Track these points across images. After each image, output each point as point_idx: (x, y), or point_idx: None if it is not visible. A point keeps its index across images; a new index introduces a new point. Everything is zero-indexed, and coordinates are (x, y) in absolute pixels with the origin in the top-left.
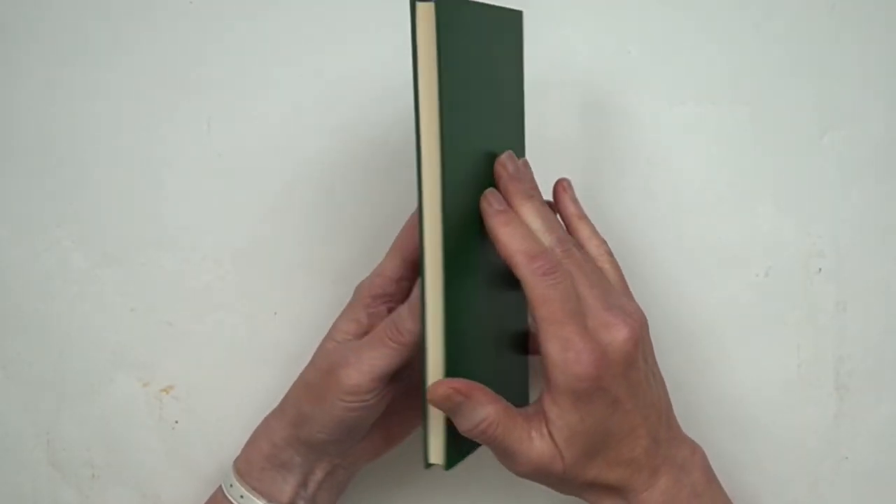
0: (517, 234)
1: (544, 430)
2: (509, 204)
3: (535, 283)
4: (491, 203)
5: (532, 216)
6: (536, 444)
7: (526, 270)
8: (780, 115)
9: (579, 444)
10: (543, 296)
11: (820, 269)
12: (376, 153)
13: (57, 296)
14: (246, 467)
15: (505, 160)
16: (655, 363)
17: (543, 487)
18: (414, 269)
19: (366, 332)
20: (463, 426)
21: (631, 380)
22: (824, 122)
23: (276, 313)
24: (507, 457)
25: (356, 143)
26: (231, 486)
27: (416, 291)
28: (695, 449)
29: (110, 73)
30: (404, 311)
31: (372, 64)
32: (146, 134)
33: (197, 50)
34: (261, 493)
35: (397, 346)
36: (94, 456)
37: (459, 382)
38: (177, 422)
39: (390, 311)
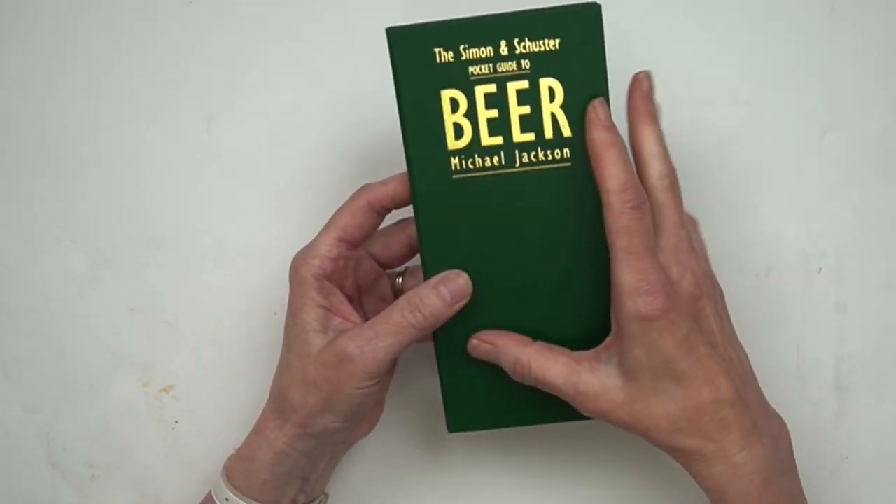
0: (618, 158)
1: (607, 366)
2: (633, 121)
3: (620, 212)
4: (598, 115)
5: (653, 140)
6: (584, 378)
7: (616, 198)
8: (780, 115)
9: (645, 377)
10: (627, 226)
11: (820, 269)
12: (376, 152)
13: (57, 296)
14: (244, 481)
15: (646, 76)
16: (734, 333)
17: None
18: (350, 248)
19: (333, 313)
20: (508, 371)
21: (702, 326)
22: (824, 122)
23: (275, 313)
24: (564, 396)
25: (356, 143)
26: (227, 499)
27: (442, 275)
28: (782, 424)
29: (110, 73)
30: (429, 296)
31: (372, 63)
32: (146, 134)
33: (197, 50)
34: (263, 503)
35: (416, 330)
36: (94, 456)
37: (486, 334)
38: (177, 422)
39: (341, 287)
